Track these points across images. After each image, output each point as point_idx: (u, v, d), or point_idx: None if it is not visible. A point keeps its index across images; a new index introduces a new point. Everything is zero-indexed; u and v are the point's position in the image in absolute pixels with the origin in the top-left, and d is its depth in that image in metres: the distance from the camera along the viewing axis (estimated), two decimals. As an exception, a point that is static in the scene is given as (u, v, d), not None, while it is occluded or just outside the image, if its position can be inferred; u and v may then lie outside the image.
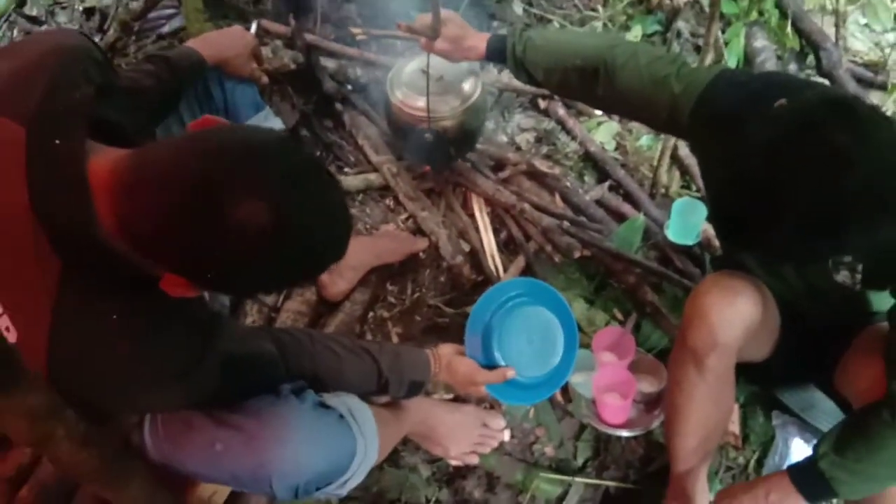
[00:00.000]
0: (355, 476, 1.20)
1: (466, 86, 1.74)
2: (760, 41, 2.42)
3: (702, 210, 1.92)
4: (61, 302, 0.85)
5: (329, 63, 2.09)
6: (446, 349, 1.43)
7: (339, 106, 2.06)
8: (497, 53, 1.52)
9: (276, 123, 1.66)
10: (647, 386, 1.65)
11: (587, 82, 1.41)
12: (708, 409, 1.34)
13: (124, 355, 0.92)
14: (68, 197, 0.83)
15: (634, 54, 1.37)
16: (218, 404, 1.11)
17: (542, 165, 1.94)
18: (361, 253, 1.79)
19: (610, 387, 1.61)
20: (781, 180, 0.95)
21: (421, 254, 1.91)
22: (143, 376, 0.94)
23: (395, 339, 1.78)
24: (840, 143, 0.92)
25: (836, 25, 2.57)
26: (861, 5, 2.72)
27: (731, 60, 2.40)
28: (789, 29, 2.53)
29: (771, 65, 2.36)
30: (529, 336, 1.46)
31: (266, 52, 1.98)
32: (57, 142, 0.83)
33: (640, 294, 1.84)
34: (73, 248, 0.84)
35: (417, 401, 1.55)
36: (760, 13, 2.49)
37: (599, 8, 2.47)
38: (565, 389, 1.70)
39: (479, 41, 1.54)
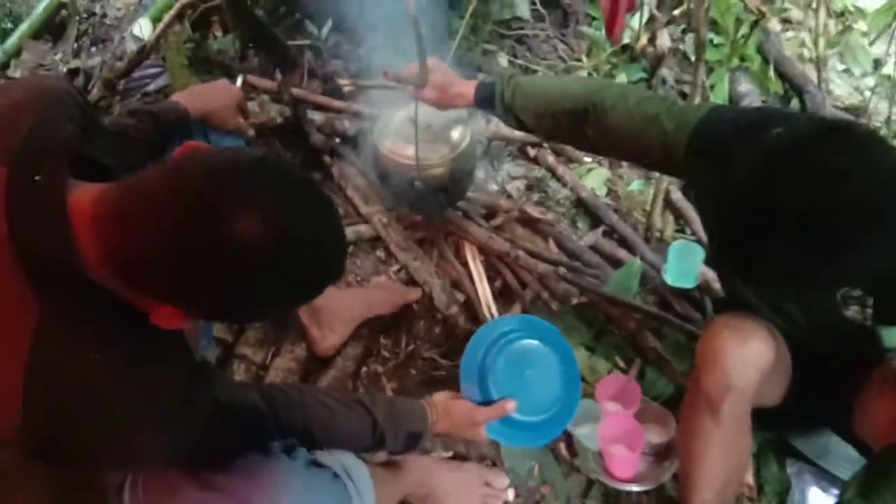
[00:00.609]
0: None
1: (455, 134, 1.72)
2: (745, 85, 2.45)
3: (699, 252, 1.89)
4: (40, 342, 0.80)
5: (316, 116, 2.08)
6: (441, 395, 1.38)
7: (327, 158, 2.04)
8: (485, 100, 1.51)
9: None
10: (656, 436, 1.57)
11: (577, 124, 1.40)
12: (724, 459, 1.27)
13: (107, 395, 0.85)
14: (47, 228, 0.80)
15: (623, 95, 1.36)
16: (203, 462, 1.03)
17: (535, 211, 1.91)
18: (352, 305, 1.73)
19: (617, 438, 1.54)
20: (776, 194, 0.93)
21: (414, 305, 1.85)
22: (127, 418, 0.88)
23: (389, 394, 1.70)
24: (836, 159, 0.91)
25: (818, 69, 2.60)
26: (840, 51, 2.77)
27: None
28: (772, 73, 2.57)
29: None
30: (527, 372, 1.43)
31: (253, 106, 1.96)
32: (37, 177, 0.81)
33: (642, 340, 1.78)
34: (53, 281, 0.80)
35: (416, 460, 1.47)
36: (742, 58, 2.53)
37: (584, 58, 2.49)
38: (570, 443, 1.63)
39: (467, 88, 1.53)
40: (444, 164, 1.68)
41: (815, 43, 2.61)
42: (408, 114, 1.71)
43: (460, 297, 1.85)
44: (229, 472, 1.04)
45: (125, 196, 0.81)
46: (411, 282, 1.89)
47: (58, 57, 2.56)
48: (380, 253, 1.99)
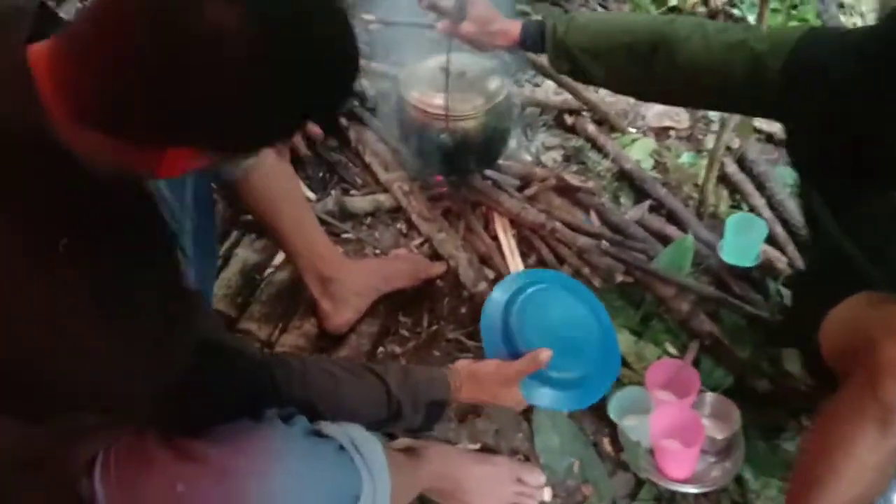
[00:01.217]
0: None
1: (491, 84, 1.52)
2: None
3: (761, 227, 1.67)
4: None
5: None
6: (463, 362, 1.23)
7: (343, 121, 1.85)
8: (533, 38, 1.32)
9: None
10: (717, 431, 1.36)
11: (642, 62, 1.23)
12: (873, 481, 1.02)
13: (80, 301, 0.71)
14: (9, 92, 0.67)
15: (699, 24, 1.21)
16: (184, 418, 0.87)
17: (574, 179, 1.71)
18: (368, 277, 1.53)
19: (671, 431, 1.32)
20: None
21: (438, 281, 1.65)
22: (101, 332, 0.72)
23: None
24: None
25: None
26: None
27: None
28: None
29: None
30: (556, 323, 1.26)
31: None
32: None
33: (696, 324, 1.56)
34: (19, 153, 0.67)
35: (439, 449, 1.27)
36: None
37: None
38: (615, 437, 1.41)
39: (512, 26, 1.35)
40: (478, 116, 1.48)
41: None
42: (438, 62, 1.51)
43: (490, 274, 1.65)
44: (210, 440, 0.87)
45: (78, 33, 0.68)
46: (435, 256, 1.69)
47: None
48: (400, 225, 1.80)
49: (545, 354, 1.18)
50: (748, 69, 1.11)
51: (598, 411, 1.46)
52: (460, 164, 1.53)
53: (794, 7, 2.28)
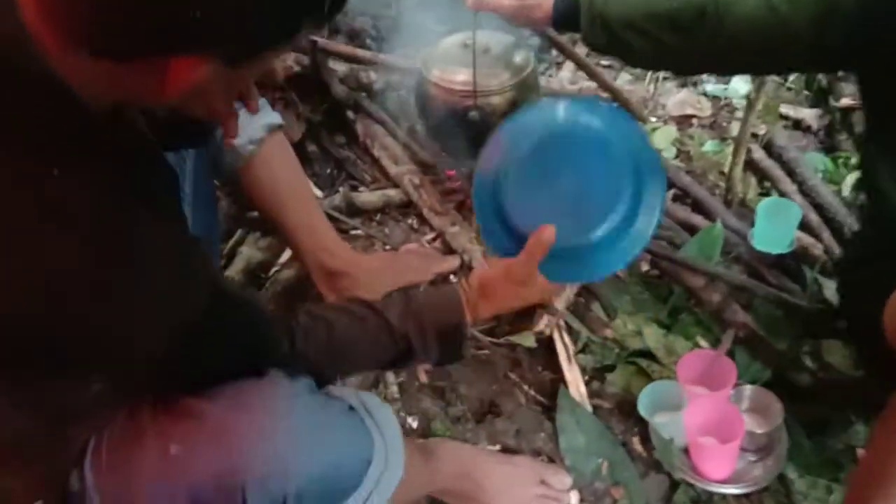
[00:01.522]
0: (373, 496, 0.84)
1: (517, 58, 1.43)
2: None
3: (794, 212, 1.57)
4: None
5: (339, 66, 1.83)
6: (474, 274, 1.03)
7: (350, 114, 1.78)
8: (567, 10, 1.22)
9: (274, 117, 1.37)
10: (756, 425, 1.25)
11: (688, 30, 1.14)
12: None
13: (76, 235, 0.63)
14: None
15: None
16: (189, 368, 0.79)
17: None
18: (379, 272, 1.45)
19: (708, 427, 1.22)
20: None
21: (452, 276, 1.57)
22: (100, 272, 0.65)
23: (423, 379, 1.41)
24: None
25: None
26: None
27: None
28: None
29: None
30: (563, 180, 0.95)
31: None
32: None
33: (729, 315, 1.46)
34: (7, 84, 0.61)
35: (455, 448, 1.19)
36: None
37: None
38: (646, 436, 1.31)
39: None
40: (505, 91, 1.39)
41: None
42: (458, 40, 1.43)
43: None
44: (212, 397, 0.79)
45: None
46: (448, 251, 1.60)
47: None
48: (411, 221, 1.72)
49: (548, 232, 0.91)
50: (816, 14, 1.03)
51: (627, 408, 1.36)
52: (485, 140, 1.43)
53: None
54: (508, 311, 1.23)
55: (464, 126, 1.38)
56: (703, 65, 1.28)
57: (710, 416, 1.22)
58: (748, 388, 1.29)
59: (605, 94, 1.91)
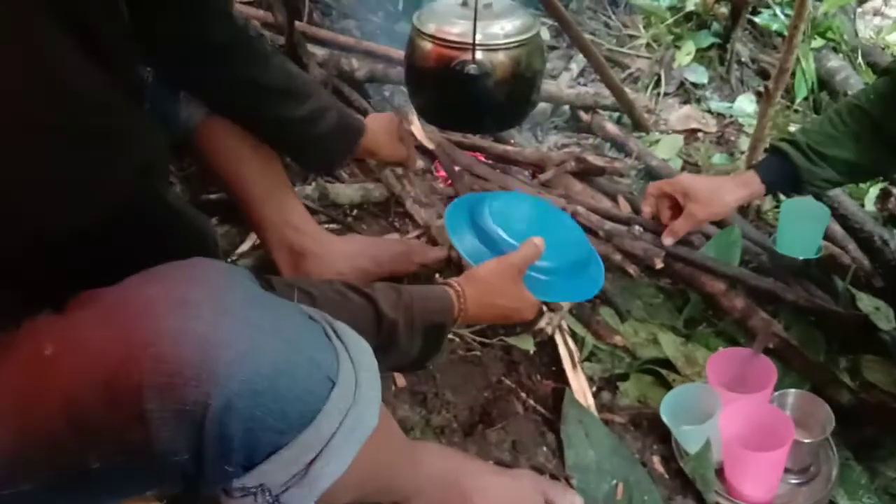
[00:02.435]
0: (339, 436, 0.58)
1: (522, 18, 1.27)
2: (834, 61, 2.04)
3: (822, 214, 1.41)
4: None
5: (318, 50, 1.66)
6: (459, 278, 1.00)
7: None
8: (778, 173, 1.23)
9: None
10: (802, 435, 1.04)
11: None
12: None
13: None
14: None
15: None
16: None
17: (598, 160, 1.45)
18: (354, 256, 1.24)
19: (747, 437, 1.00)
20: None
21: (437, 276, 1.36)
22: None
23: (401, 382, 1.18)
24: None
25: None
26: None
27: (803, 85, 2.00)
28: (860, 59, 2.17)
29: (855, 81, 1.95)
30: (527, 223, 1.14)
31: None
32: None
33: (756, 324, 1.27)
34: None
35: (442, 451, 0.95)
36: (824, 37, 2.13)
37: (641, 29, 2.11)
38: (667, 455, 1.09)
39: (744, 183, 1.26)
40: (508, 48, 1.22)
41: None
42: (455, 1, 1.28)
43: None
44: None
45: None
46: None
47: None
48: (393, 219, 1.52)
49: (539, 240, 1.03)
50: None
51: (644, 422, 1.14)
52: (487, 107, 1.25)
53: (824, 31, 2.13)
54: (495, 320, 1.07)
55: (459, 85, 1.20)
56: None
57: (750, 422, 1.01)
58: (791, 393, 1.09)
59: (608, 96, 1.77)
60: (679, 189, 1.26)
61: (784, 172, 1.21)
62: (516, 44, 1.22)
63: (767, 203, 1.64)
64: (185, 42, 1.01)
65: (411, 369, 1.10)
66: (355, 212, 1.52)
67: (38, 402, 0.52)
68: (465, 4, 1.24)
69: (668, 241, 1.26)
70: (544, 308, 1.23)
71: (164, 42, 0.96)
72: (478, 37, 1.17)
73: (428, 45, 1.22)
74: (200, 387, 0.50)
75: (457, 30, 1.20)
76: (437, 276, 1.37)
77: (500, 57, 1.20)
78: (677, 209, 1.30)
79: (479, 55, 1.18)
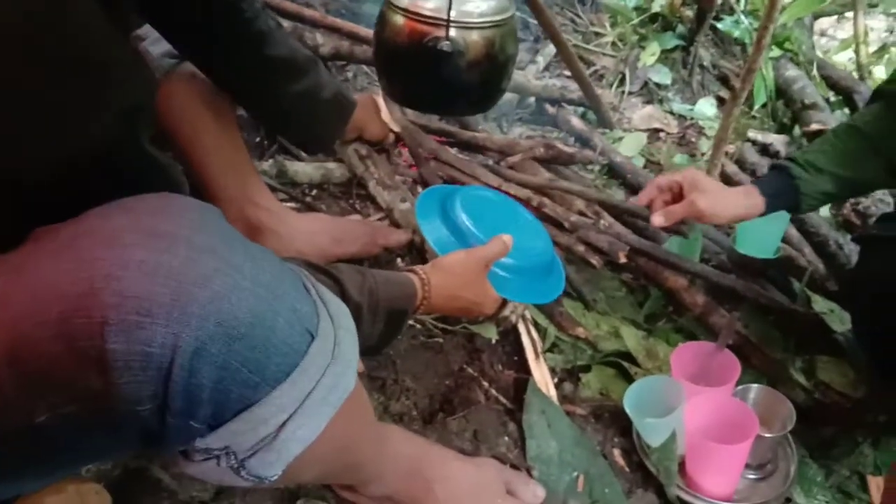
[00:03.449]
0: (317, 392, 0.53)
1: (498, 0, 1.24)
2: (792, 70, 2.08)
3: (782, 216, 1.42)
4: None
5: (282, 23, 1.60)
6: (424, 266, 0.98)
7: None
8: (779, 187, 1.20)
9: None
10: (762, 430, 1.03)
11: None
12: None
13: None
14: None
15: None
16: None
17: (567, 147, 1.43)
18: (313, 234, 1.19)
19: (710, 430, 0.99)
20: None
21: (399, 260, 1.32)
22: None
23: (359, 367, 1.13)
24: None
25: (861, 77, 2.30)
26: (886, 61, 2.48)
27: (762, 91, 2.04)
28: (815, 72, 2.22)
29: (811, 91, 1.99)
30: (496, 221, 1.11)
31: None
32: None
33: (716, 320, 1.27)
34: None
35: (406, 437, 0.91)
36: (781, 47, 2.17)
37: (607, 27, 2.11)
38: (628, 448, 1.08)
39: (746, 194, 1.21)
40: (483, 27, 1.18)
41: (857, 49, 2.32)
42: None
43: (462, 253, 1.33)
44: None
45: None
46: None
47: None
48: (354, 201, 1.47)
49: (508, 237, 1.02)
50: None
51: (605, 414, 1.13)
52: (458, 88, 1.21)
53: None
54: (456, 312, 1.05)
55: (431, 63, 1.16)
56: None
57: (714, 415, 1.00)
58: (753, 388, 1.09)
59: (575, 90, 1.76)
60: (689, 180, 1.22)
61: (783, 186, 1.19)
62: (491, 24, 1.18)
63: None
64: (191, 7, 0.97)
65: (366, 354, 1.06)
66: (314, 192, 1.47)
67: None
68: (441, -18, 1.21)
69: (658, 220, 1.21)
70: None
71: (168, 9, 0.93)
72: (452, 14, 1.13)
73: (400, 20, 1.18)
74: (170, 326, 0.45)
75: (431, 4, 1.16)
76: (398, 260, 1.33)
77: (474, 36, 1.17)
78: (676, 202, 1.25)
79: (452, 32, 1.14)
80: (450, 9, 1.11)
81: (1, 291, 0.46)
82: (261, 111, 1.17)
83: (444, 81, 1.20)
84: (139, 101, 0.57)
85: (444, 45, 1.13)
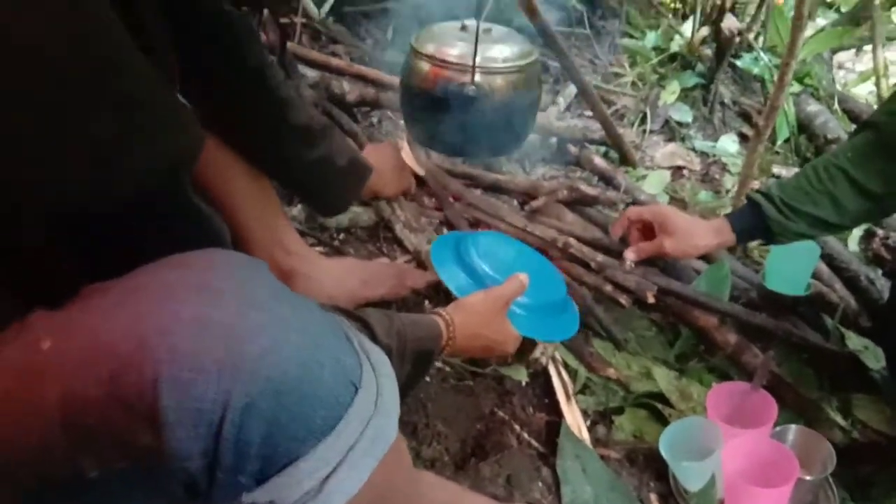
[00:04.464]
0: (361, 445, 0.53)
1: (521, 44, 1.27)
2: (813, 105, 2.09)
3: (812, 250, 1.42)
4: None
5: (308, 72, 1.64)
6: (447, 307, 0.99)
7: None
8: (749, 223, 1.23)
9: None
10: (802, 471, 1.01)
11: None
12: None
13: None
14: None
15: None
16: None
17: (591, 190, 1.44)
18: (343, 277, 1.20)
19: (749, 473, 0.98)
20: None
21: (427, 302, 1.32)
22: None
23: (390, 412, 1.13)
24: None
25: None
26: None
27: (784, 127, 2.04)
28: (837, 106, 2.22)
29: (834, 125, 1.99)
30: (509, 261, 1.17)
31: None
32: None
33: (749, 359, 1.26)
34: None
35: (445, 487, 0.91)
36: (802, 83, 2.18)
37: (626, 67, 2.14)
38: (665, 493, 1.06)
39: (716, 231, 1.25)
40: (507, 72, 1.21)
41: (878, 82, 2.32)
42: (455, 24, 1.27)
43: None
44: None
45: None
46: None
47: None
48: (381, 244, 1.48)
49: (524, 276, 1.05)
50: None
51: (640, 458, 1.11)
52: (484, 131, 1.23)
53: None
54: (480, 352, 1.05)
55: (457, 107, 1.18)
56: None
57: (752, 457, 0.99)
58: (791, 429, 1.07)
59: (597, 130, 1.77)
60: (658, 218, 1.26)
61: (755, 223, 1.22)
62: (515, 68, 1.21)
63: (754, 241, 1.65)
64: (217, 72, 0.99)
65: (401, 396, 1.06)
66: (342, 235, 1.49)
67: (28, 402, 0.46)
68: (464, 29, 1.24)
69: (630, 255, 1.28)
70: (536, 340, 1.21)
71: (194, 70, 0.95)
72: (477, 59, 1.16)
73: (426, 66, 1.21)
74: (221, 382, 0.46)
75: (456, 51, 1.20)
76: (426, 302, 1.34)
77: (499, 81, 1.20)
78: (648, 236, 1.30)
79: (477, 77, 1.17)
80: (475, 55, 1.14)
81: (53, 349, 0.46)
82: (274, 176, 1.16)
83: (471, 125, 1.22)
84: (184, 147, 0.58)
85: (470, 90, 1.15)
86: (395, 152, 1.41)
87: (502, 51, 1.20)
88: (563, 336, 1.18)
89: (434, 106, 1.21)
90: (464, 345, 0.97)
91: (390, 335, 0.80)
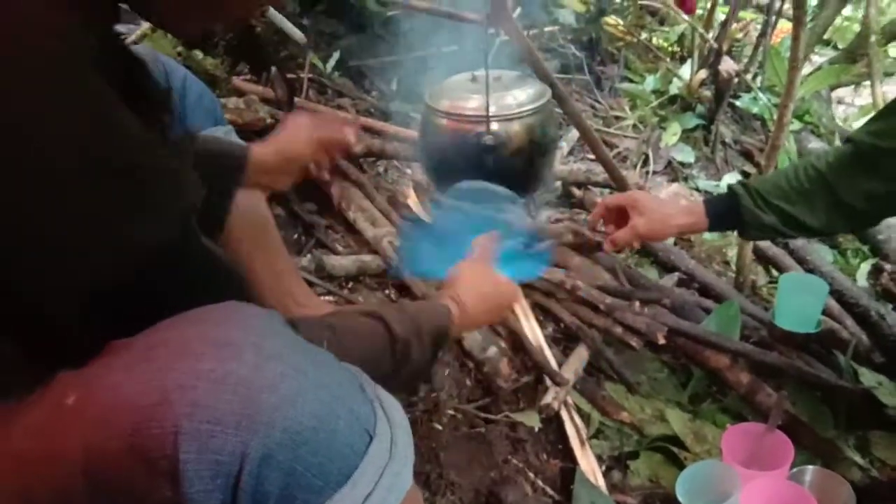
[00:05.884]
0: (373, 498, 0.51)
1: (533, 87, 1.29)
2: (814, 142, 2.11)
3: (820, 287, 1.42)
4: None
5: (316, 125, 1.67)
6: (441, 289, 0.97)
7: (325, 175, 1.59)
8: (724, 210, 1.21)
9: (240, 143, 1.18)
10: (823, 515, 1.00)
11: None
12: None
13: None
14: None
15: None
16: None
17: (595, 235, 1.45)
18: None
19: (769, 517, 0.96)
20: None
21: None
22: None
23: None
24: None
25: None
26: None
27: (786, 165, 2.06)
28: (837, 142, 2.24)
29: (837, 162, 2.01)
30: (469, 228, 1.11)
31: (237, 103, 1.56)
32: None
33: (763, 399, 1.25)
34: None
35: None
36: (802, 120, 2.21)
37: (627, 110, 2.17)
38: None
39: (688, 212, 1.22)
40: (522, 117, 1.23)
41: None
42: (466, 76, 1.31)
43: (500, 341, 1.33)
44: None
45: None
46: (433, 321, 1.38)
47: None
48: (389, 291, 1.49)
49: (487, 236, 1.03)
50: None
51: (655, 498, 1.10)
52: (505, 176, 1.25)
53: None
54: (493, 313, 1.01)
55: (475, 157, 1.21)
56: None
57: (770, 501, 0.97)
58: (809, 470, 1.05)
59: (600, 173, 1.79)
60: (630, 202, 1.24)
61: (729, 211, 1.20)
62: (530, 112, 1.24)
63: (762, 278, 1.66)
64: None
65: (416, 382, 1.09)
66: (351, 284, 1.50)
67: (51, 453, 0.47)
68: (474, 80, 1.27)
69: (608, 247, 1.25)
70: (549, 383, 1.21)
71: None
72: (491, 108, 1.19)
73: (442, 121, 1.24)
74: (239, 435, 0.46)
75: (470, 104, 1.23)
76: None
77: (516, 126, 1.23)
78: (623, 224, 1.26)
79: (494, 126, 1.20)
80: (488, 107, 1.16)
81: (77, 404, 0.47)
82: None
83: (492, 172, 1.25)
84: (191, 206, 0.60)
85: (487, 139, 1.18)
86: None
87: (516, 96, 1.23)
88: (543, 266, 1.24)
89: (453, 158, 1.24)
90: (476, 312, 0.94)
91: (403, 322, 0.79)
